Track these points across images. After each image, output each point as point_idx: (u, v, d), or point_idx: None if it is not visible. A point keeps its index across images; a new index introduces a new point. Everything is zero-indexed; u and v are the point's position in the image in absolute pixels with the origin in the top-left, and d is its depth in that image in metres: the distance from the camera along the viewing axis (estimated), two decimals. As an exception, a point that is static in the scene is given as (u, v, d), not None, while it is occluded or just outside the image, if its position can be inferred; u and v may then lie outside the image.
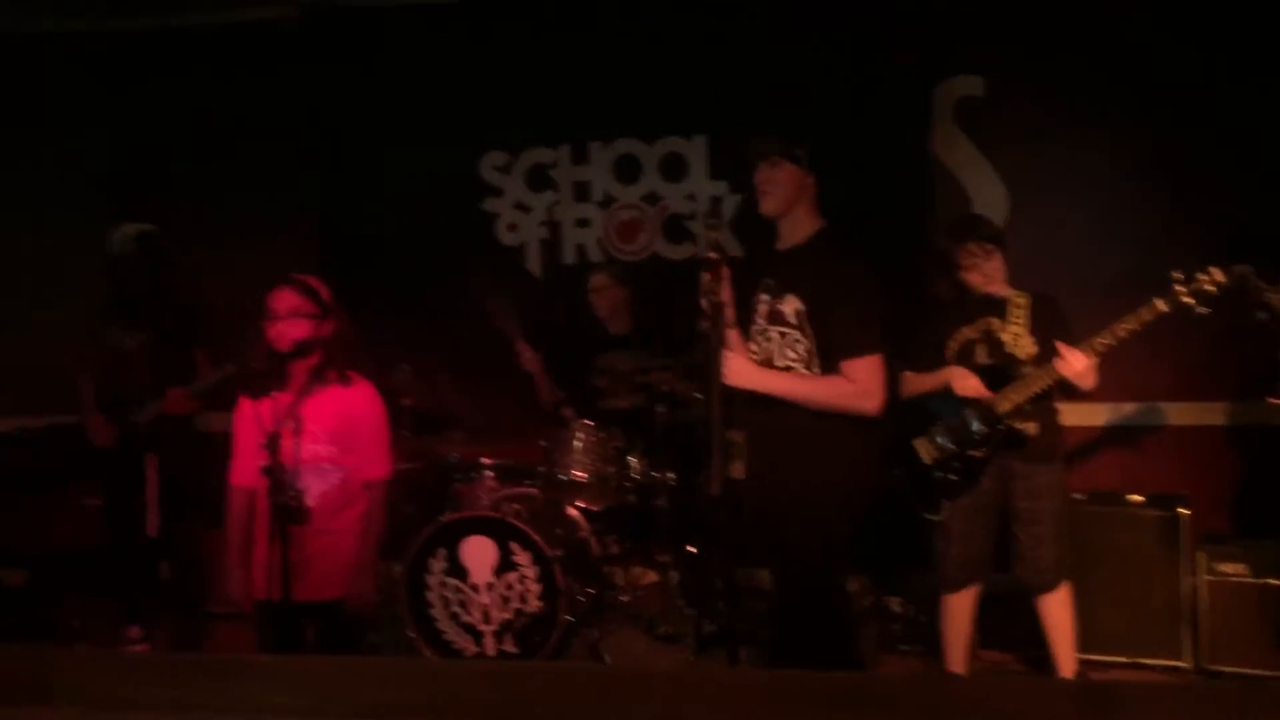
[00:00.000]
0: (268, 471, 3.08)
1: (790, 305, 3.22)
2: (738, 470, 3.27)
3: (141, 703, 2.23)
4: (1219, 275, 3.54)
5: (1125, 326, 3.65)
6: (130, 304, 4.99)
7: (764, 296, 3.30)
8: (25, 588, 5.67)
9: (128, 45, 5.98)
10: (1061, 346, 3.72)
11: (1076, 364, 3.69)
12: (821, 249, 3.28)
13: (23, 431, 5.69)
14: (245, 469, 3.34)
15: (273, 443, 3.08)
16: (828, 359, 3.18)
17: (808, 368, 3.21)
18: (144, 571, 5.09)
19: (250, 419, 3.22)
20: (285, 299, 3.35)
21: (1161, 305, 3.60)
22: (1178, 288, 3.57)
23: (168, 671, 2.34)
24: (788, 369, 3.22)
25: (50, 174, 5.93)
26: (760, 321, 3.30)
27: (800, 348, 3.21)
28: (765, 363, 3.25)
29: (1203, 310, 3.56)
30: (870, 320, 3.18)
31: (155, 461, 4.86)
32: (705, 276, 3.04)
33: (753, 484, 3.24)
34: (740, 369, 3.15)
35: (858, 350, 3.14)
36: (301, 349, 3.31)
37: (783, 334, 3.23)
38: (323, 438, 3.36)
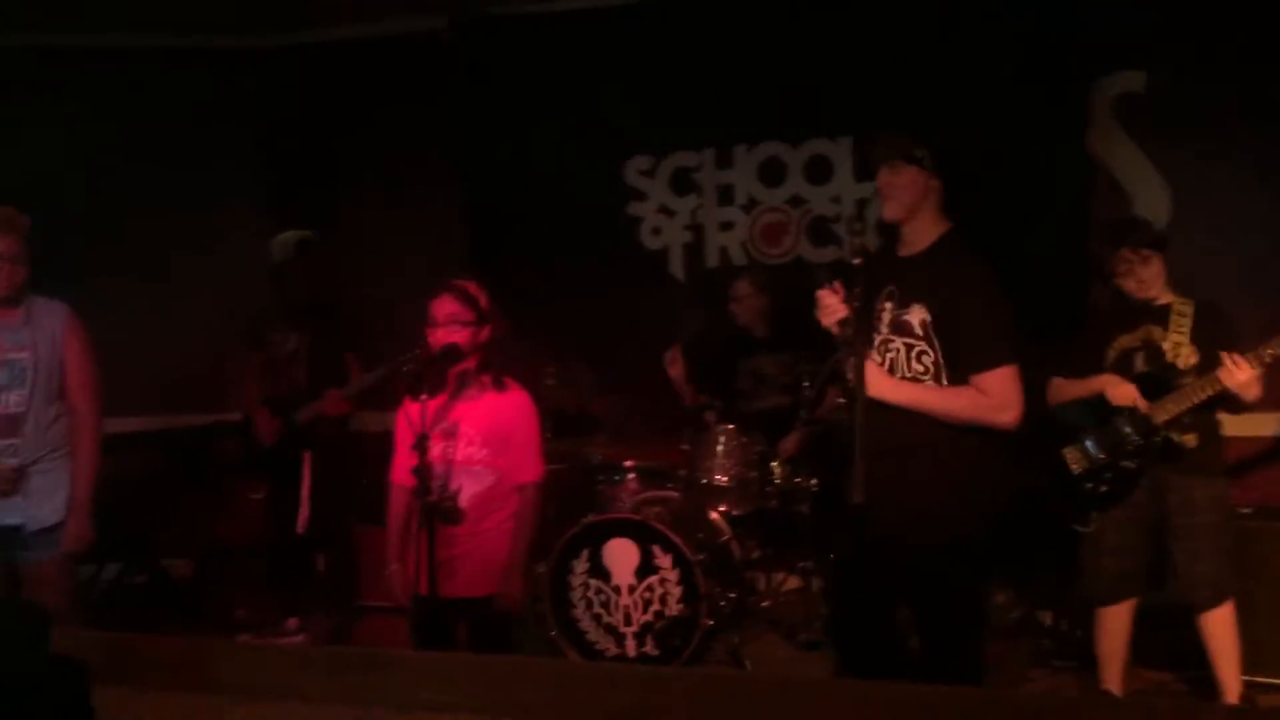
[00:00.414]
0: (416, 472, 3.17)
1: (916, 316, 3.09)
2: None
3: (298, 692, 2.33)
4: None
5: (1274, 348, 3.47)
6: (290, 308, 5.20)
7: (887, 305, 3.15)
8: (192, 578, 5.98)
9: (287, 60, 6.25)
10: (1226, 356, 3.55)
11: (1241, 374, 3.52)
12: (947, 256, 3.13)
13: (192, 428, 5.99)
14: (403, 468, 3.44)
15: (421, 444, 3.16)
16: (956, 371, 3.04)
17: (935, 381, 3.07)
18: (301, 565, 5.30)
19: (407, 420, 3.31)
20: (445, 306, 3.43)
21: None
22: None
23: (323, 663, 2.44)
24: (915, 380, 3.09)
25: (218, 183, 6.21)
26: (884, 331, 3.15)
27: (927, 359, 3.07)
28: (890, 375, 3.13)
29: None
30: (1002, 330, 3.04)
31: (310, 460, 5.03)
32: (831, 287, 3.05)
33: (878, 498, 3.12)
34: (876, 379, 3.03)
35: (991, 363, 3.01)
36: (459, 354, 3.38)
37: (909, 345, 3.09)
38: (477, 441, 3.44)
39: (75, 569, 3.95)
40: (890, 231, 3.30)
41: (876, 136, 3.22)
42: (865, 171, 5.30)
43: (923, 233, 3.17)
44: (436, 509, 3.23)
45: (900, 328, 3.11)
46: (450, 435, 3.42)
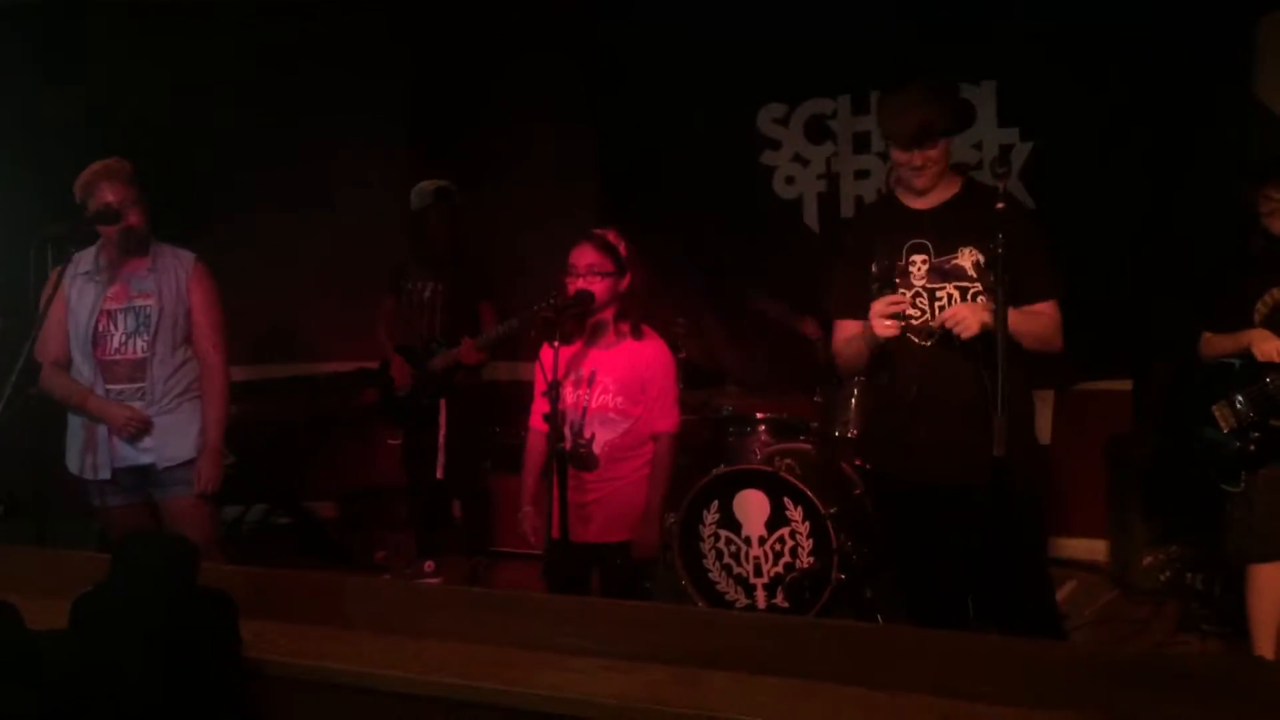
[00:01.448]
0: (547, 419, 3.19)
1: (969, 259, 3.09)
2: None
3: (434, 630, 2.38)
4: None
5: None
6: (427, 256, 5.28)
7: (917, 258, 3.13)
8: (336, 520, 6.19)
9: (423, 8, 6.25)
10: None
11: None
12: (985, 197, 3.09)
13: (335, 375, 6.17)
14: (541, 413, 3.47)
15: (554, 391, 3.18)
16: (1012, 304, 3.02)
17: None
18: (438, 510, 5.43)
19: (542, 367, 3.35)
20: (585, 255, 3.44)
21: None
22: None
23: (458, 603, 2.49)
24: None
25: (358, 131, 6.31)
26: (920, 281, 3.13)
27: (982, 300, 3.06)
28: (941, 323, 3.07)
29: None
30: (1053, 262, 3.16)
31: (445, 407, 5.12)
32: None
33: (933, 451, 3.09)
34: (974, 312, 2.97)
35: (1051, 292, 3.14)
36: (592, 302, 3.39)
37: (963, 289, 3.09)
38: (613, 388, 3.45)
39: (218, 509, 4.11)
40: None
41: (910, 114, 3.07)
42: (1010, 115, 5.22)
43: (943, 185, 3.19)
44: (570, 455, 3.26)
45: (949, 274, 3.12)
46: (586, 382, 3.44)
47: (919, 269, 3.15)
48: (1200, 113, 4.76)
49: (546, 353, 3.26)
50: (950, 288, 3.12)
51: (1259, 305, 3.67)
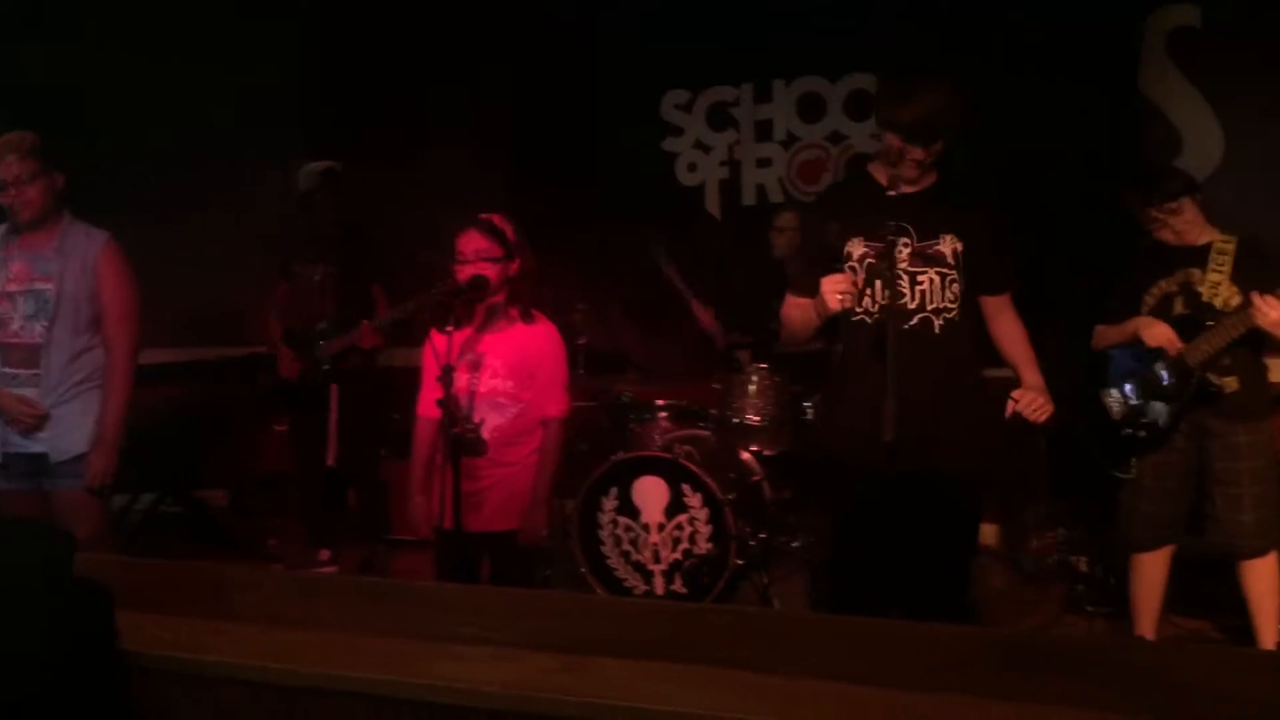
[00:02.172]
0: (441, 404, 3.15)
1: (949, 246, 3.11)
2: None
3: (323, 620, 2.32)
4: None
5: None
6: (317, 238, 5.17)
7: (901, 240, 3.11)
8: (227, 508, 6.03)
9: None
10: (1255, 296, 3.44)
11: (1272, 312, 3.41)
12: (963, 185, 3.19)
13: (225, 360, 6.01)
14: (429, 401, 3.42)
15: (446, 376, 3.13)
16: (969, 295, 3.15)
17: (961, 308, 3.12)
18: (331, 498, 5.32)
19: (434, 352, 3.29)
20: (472, 241, 3.40)
21: None
22: None
23: (347, 592, 2.43)
24: (946, 310, 3.11)
25: (244, 112, 6.14)
26: (901, 266, 3.10)
27: (956, 288, 3.11)
28: (919, 307, 3.11)
29: None
30: (1013, 255, 3.26)
31: (337, 392, 5.02)
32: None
33: (909, 435, 3.02)
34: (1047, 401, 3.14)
35: (1010, 284, 3.23)
36: (485, 287, 3.35)
37: (942, 275, 3.11)
38: (502, 373, 3.41)
39: (107, 499, 3.95)
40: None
41: (919, 108, 3.04)
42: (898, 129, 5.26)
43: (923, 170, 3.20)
44: (460, 441, 3.21)
45: (930, 259, 3.11)
46: (475, 367, 3.39)
47: (901, 253, 3.12)
48: (1089, 108, 4.87)
49: (438, 338, 3.20)
50: (933, 273, 3.12)
51: (1146, 298, 3.77)
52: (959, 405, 3.14)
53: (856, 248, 3.10)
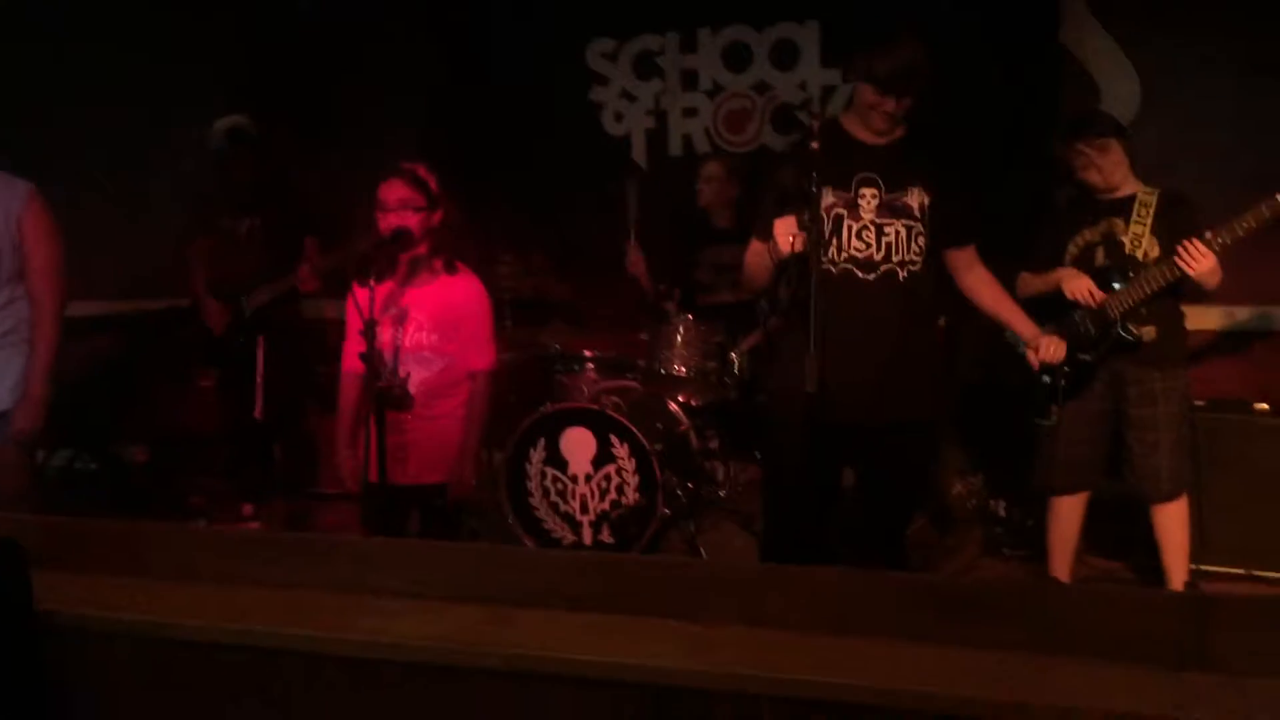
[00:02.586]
0: (364, 358, 3.12)
1: (916, 199, 3.17)
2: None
3: (243, 577, 2.30)
4: None
5: (1244, 224, 3.46)
6: (238, 192, 5.08)
7: (867, 191, 3.16)
8: (147, 465, 5.92)
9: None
10: (1184, 244, 3.52)
11: (1199, 263, 3.49)
12: (932, 140, 3.25)
13: (143, 313, 5.88)
14: (353, 355, 3.38)
15: (370, 330, 3.10)
16: (935, 248, 3.23)
17: (925, 260, 3.20)
18: (257, 452, 5.26)
19: (356, 306, 3.25)
20: (394, 190, 3.35)
21: None
22: None
23: (268, 548, 2.41)
24: (911, 262, 3.17)
25: (168, 64, 5.99)
26: (869, 215, 3.16)
27: (922, 241, 3.17)
28: (885, 258, 3.16)
29: None
30: (979, 209, 3.37)
31: (263, 345, 4.94)
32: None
33: (848, 388, 3.08)
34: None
35: (975, 236, 3.32)
36: (408, 239, 3.31)
37: (908, 227, 3.16)
38: (427, 326, 3.39)
39: (32, 455, 3.85)
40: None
41: (913, 70, 3.11)
42: (833, 56, 5.28)
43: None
44: (385, 395, 3.18)
45: (898, 210, 3.17)
46: (400, 321, 3.36)
47: (869, 203, 3.17)
48: (1013, 60, 4.91)
49: (361, 292, 3.16)
50: (899, 224, 3.17)
51: (1070, 247, 3.84)
52: (920, 355, 3.23)
53: (826, 197, 3.10)
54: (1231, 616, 1.81)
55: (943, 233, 3.21)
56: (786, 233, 3.01)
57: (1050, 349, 3.55)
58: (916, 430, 3.27)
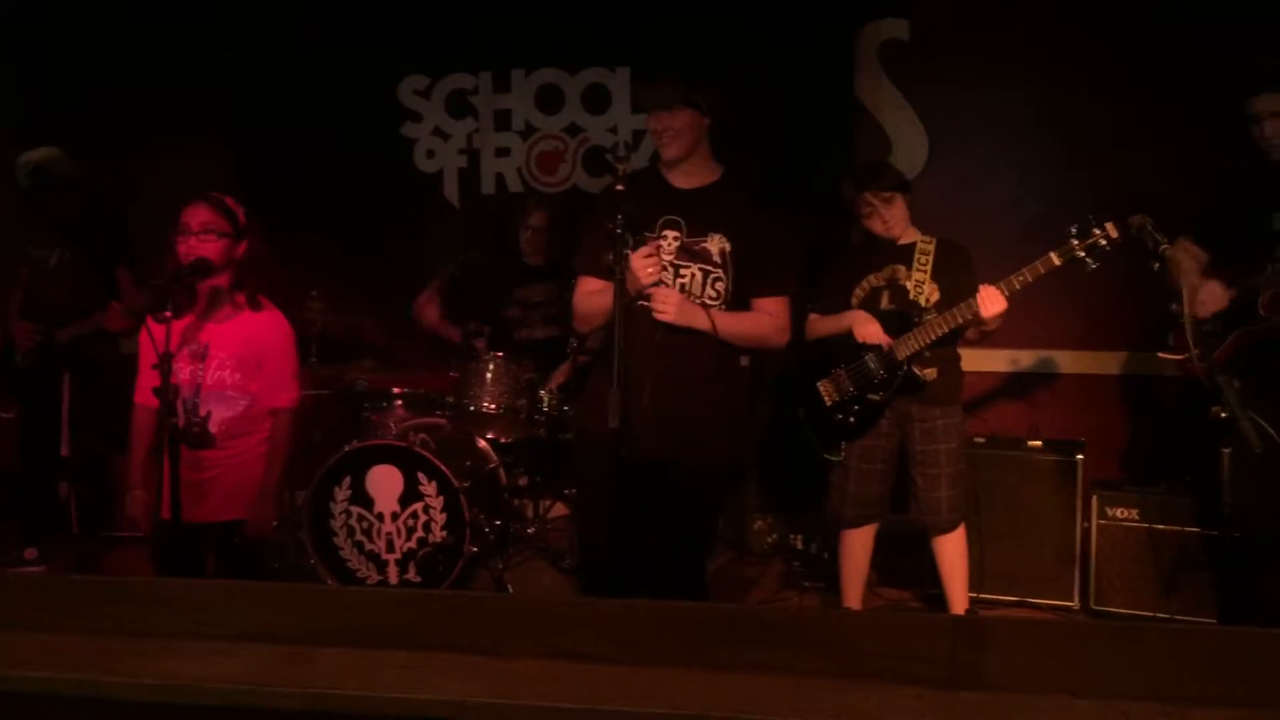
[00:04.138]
0: (157, 393, 3.02)
1: (716, 245, 3.23)
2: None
3: (23, 622, 2.19)
4: (1113, 230, 3.57)
5: (1021, 279, 3.70)
6: (51, 223, 4.95)
7: (670, 233, 3.25)
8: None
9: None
10: (983, 288, 3.72)
11: (995, 306, 3.71)
12: (741, 189, 3.34)
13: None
14: (146, 389, 3.27)
15: (165, 364, 3.00)
16: (740, 295, 3.27)
17: (726, 306, 3.25)
18: (44, 492, 5.01)
19: (150, 338, 3.14)
20: (198, 214, 3.27)
21: (1055, 259, 3.65)
22: (1072, 241, 3.62)
23: (54, 592, 2.30)
24: (707, 305, 3.23)
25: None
26: (665, 258, 3.23)
27: (720, 286, 3.23)
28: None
29: (1094, 264, 3.62)
30: (792, 261, 3.38)
31: (70, 381, 4.77)
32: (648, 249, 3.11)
33: (653, 425, 3.14)
34: (681, 306, 3.15)
35: (778, 288, 3.31)
36: (209, 268, 3.23)
37: (705, 272, 3.23)
38: (230, 364, 3.31)
39: None
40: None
41: (660, 80, 3.27)
42: (643, 106, 5.41)
43: (702, 168, 3.32)
44: (184, 433, 3.09)
45: (696, 255, 3.24)
46: (200, 357, 3.27)
47: (669, 244, 3.23)
48: (809, 109, 5.16)
49: (155, 325, 3.06)
50: (695, 269, 3.23)
51: (857, 290, 4.04)
52: (716, 395, 3.26)
53: (632, 238, 3.16)
54: (996, 637, 1.95)
55: (748, 280, 3.27)
56: (644, 266, 3.08)
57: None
58: (718, 470, 3.33)
